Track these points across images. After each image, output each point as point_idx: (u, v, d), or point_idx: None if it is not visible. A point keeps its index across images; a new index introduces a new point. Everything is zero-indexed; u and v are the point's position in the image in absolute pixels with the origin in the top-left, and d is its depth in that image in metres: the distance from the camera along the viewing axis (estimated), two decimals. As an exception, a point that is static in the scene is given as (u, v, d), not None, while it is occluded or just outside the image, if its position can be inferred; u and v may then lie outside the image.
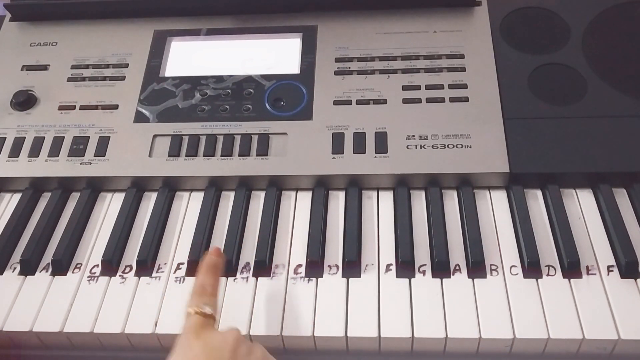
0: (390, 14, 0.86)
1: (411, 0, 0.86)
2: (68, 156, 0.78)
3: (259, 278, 0.67)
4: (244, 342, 0.56)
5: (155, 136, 0.78)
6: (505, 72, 0.79)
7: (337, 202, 0.74)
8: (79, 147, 0.78)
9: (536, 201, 0.73)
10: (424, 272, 0.66)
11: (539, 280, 0.65)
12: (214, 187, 0.76)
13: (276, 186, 0.75)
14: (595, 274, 0.65)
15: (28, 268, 0.70)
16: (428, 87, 0.79)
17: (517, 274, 0.65)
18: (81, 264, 0.70)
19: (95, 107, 0.81)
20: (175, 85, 0.82)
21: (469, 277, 0.65)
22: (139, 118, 0.80)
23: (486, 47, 0.82)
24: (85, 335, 0.64)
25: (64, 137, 0.79)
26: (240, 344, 0.55)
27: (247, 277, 0.67)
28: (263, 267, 0.68)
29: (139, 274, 0.69)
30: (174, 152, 0.76)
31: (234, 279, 0.67)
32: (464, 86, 0.78)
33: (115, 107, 0.81)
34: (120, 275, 0.69)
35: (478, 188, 0.74)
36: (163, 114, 0.80)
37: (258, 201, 0.75)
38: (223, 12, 0.88)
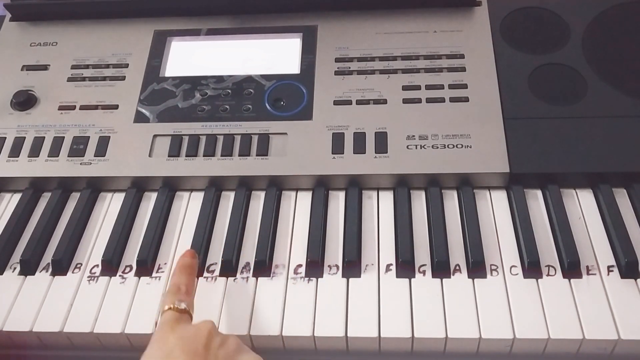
0: (390, 14, 0.86)
1: (411, 0, 0.86)
2: (68, 156, 0.78)
3: (259, 278, 0.67)
4: (218, 333, 0.57)
5: (155, 136, 0.78)
6: (505, 72, 0.79)
7: (337, 202, 0.74)
8: (79, 147, 0.78)
9: (536, 201, 0.73)
10: (424, 272, 0.66)
11: (539, 280, 0.65)
12: (214, 187, 0.76)
13: (276, 186, 0.75)
14: (595, 274, 0.65)
15: (28, 268, 0.70)
16: (428, 87, 0.79)
17: (517, 274, 0.65)
18: (81, 264, 0.70)
19: (95, 107, 0.81)
20: (175, 85, 0.82)
21: (469, 277, 0.65)
22: (139, 118, 0.80)
23: (486, 47, 0.82)
24: (85, 335, 0.64)
25: (64, 137, 0.79)
26: (214, 336, 0.56)
27: (247, 277, 0.67)
28: (263, 267, 0.68)
29: (139, 274, 0.69)
30: (174, 152, 0.76)
31: (234, 279, 0.67)
32: (464, 86, 0.78)
33: (115, 107, 0.81)
34: (120, 275, 0.69)
35: (478, 188, 0.74)
36: (163, 114, 0.80)
37: (258, 201, 0.75)
38: (223, 12, 0.88)
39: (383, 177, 0.74)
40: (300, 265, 0.68)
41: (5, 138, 0.80)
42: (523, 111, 0.76)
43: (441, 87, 0.79)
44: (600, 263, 0.66)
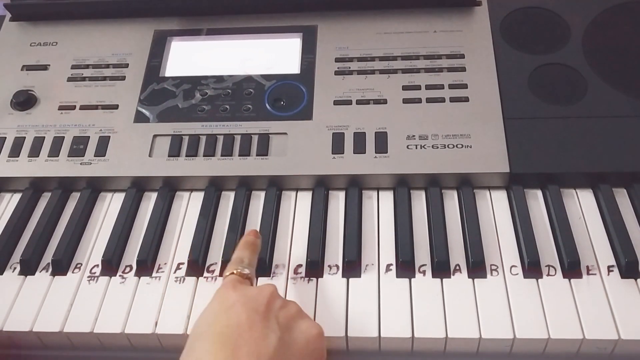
0: (390, 14, 0.86)
1: (411, 0, 0.86)
2: (68, 156, 0.78)
3: (259, 278, 0.67)
4: (279, 296, 0.58)
5: (155, 136, 0.78)
6: (505, 72, 0.79)
7: (337, 202, 0.74)
8: (79, 147, 0.78)
9: (536, 201, 0.73)
10: (424, 272, 0.66)
11: (539, 280, 0.65)
12: (214, 187, 0.76)
13: (276, 186, 0.75)
14: (595, 274, 0.65)
15: (28, 268, 0.70)
16: (428, 87, 0.79)
17: (517, 274, 0.65)
18: (81, 264, 0.70)
19: (95, 107, 0.81)
20: (175, 85, 0.82)
21: (469, 277, 0.65)
22: (139, 118, 0.80)
23: (486, 47, 0.82)
24: (85, 335, 0.64)
25: (64, 137, 0.79)
26: (276, 297, 0.57)
27: (247, 277, 0.67)
28: (263, 267, 0.68)
29: (139, 274, 0.69)
30: (174, 152, 0.76)
31: (234, 279, 0.67)
32: (464, 86, 0.78)
33: (115, 107, 0.81)
34: (120, 275, 0.69)
35: (478, 188, 0.74)
36: (163, 114, 0.80)
37: (258, 201, 0.75)
38: (223, 12, 0.88)
39: (383, 177, 0.74)
40: (300, 265, 0.68)
41: (5, 138, 0.80)
42: (523, 111, 0.76)
43: (441, 87, 0.79)
44: (600, 263, 0.66)
